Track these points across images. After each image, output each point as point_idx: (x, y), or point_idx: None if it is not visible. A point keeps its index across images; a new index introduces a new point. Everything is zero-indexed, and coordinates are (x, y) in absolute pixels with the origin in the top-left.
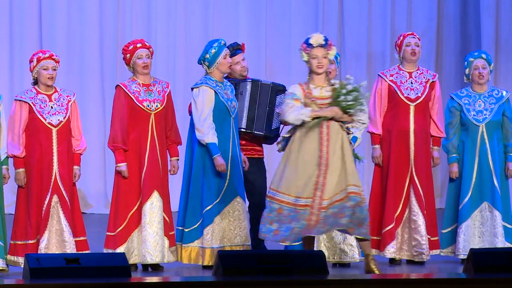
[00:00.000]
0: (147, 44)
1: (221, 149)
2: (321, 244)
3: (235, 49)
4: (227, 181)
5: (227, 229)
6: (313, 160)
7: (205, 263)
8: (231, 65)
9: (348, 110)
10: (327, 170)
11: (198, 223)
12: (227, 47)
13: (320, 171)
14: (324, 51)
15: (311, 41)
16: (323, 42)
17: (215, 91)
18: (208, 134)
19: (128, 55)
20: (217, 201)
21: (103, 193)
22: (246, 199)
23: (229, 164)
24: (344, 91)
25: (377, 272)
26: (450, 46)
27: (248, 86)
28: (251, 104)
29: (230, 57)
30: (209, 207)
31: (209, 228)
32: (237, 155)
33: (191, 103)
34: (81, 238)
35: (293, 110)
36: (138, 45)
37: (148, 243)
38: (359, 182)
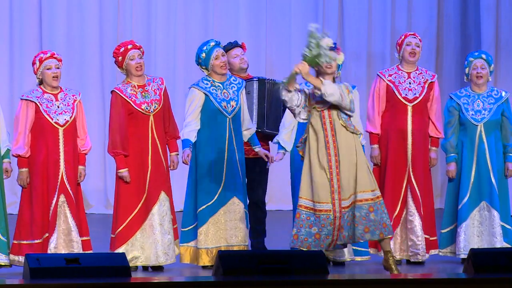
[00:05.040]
0: (137, 44)
1: (216, 149)
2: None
3: (232, 45)
4: (223, 181)
5: (223, 230)
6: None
7: (201, 264)
8: (224, 63)
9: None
10: (339, 173)
11: (195, 223)
12: (226, 45)
13: (332, 174)
14: (334, 54)
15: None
16: (332, 45)
17: (205, 93)
18: (183, 131)
19: (120, 57)
20: (211, 202)
21: (103, 193)
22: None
23: (224, 165)
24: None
25: (395, 271)
26: (450, 46)
27: (255, 85)
28: (260, 102)
29: (226, 51)
30: (202, 207)
31: (202, 229)
32: (235, 155)
33: None
34: (85, 238)
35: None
36: (129, 46)
37: (159, 245)
38: (369, 186)
